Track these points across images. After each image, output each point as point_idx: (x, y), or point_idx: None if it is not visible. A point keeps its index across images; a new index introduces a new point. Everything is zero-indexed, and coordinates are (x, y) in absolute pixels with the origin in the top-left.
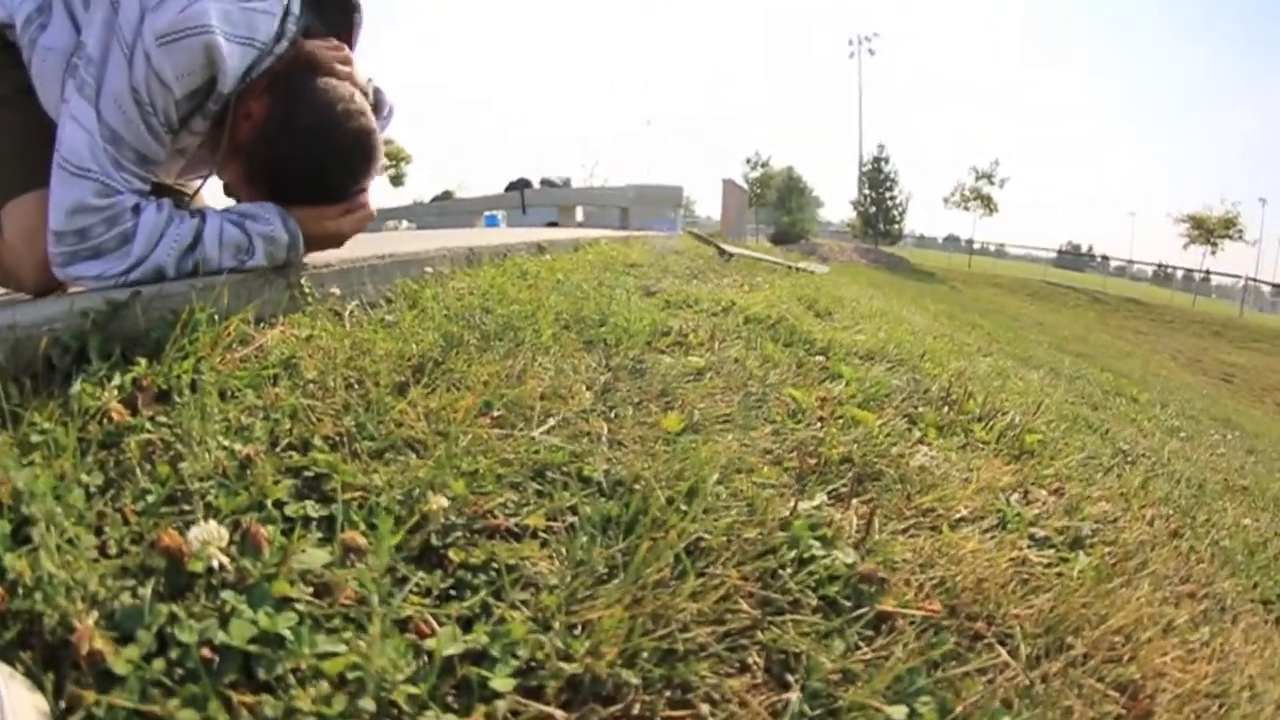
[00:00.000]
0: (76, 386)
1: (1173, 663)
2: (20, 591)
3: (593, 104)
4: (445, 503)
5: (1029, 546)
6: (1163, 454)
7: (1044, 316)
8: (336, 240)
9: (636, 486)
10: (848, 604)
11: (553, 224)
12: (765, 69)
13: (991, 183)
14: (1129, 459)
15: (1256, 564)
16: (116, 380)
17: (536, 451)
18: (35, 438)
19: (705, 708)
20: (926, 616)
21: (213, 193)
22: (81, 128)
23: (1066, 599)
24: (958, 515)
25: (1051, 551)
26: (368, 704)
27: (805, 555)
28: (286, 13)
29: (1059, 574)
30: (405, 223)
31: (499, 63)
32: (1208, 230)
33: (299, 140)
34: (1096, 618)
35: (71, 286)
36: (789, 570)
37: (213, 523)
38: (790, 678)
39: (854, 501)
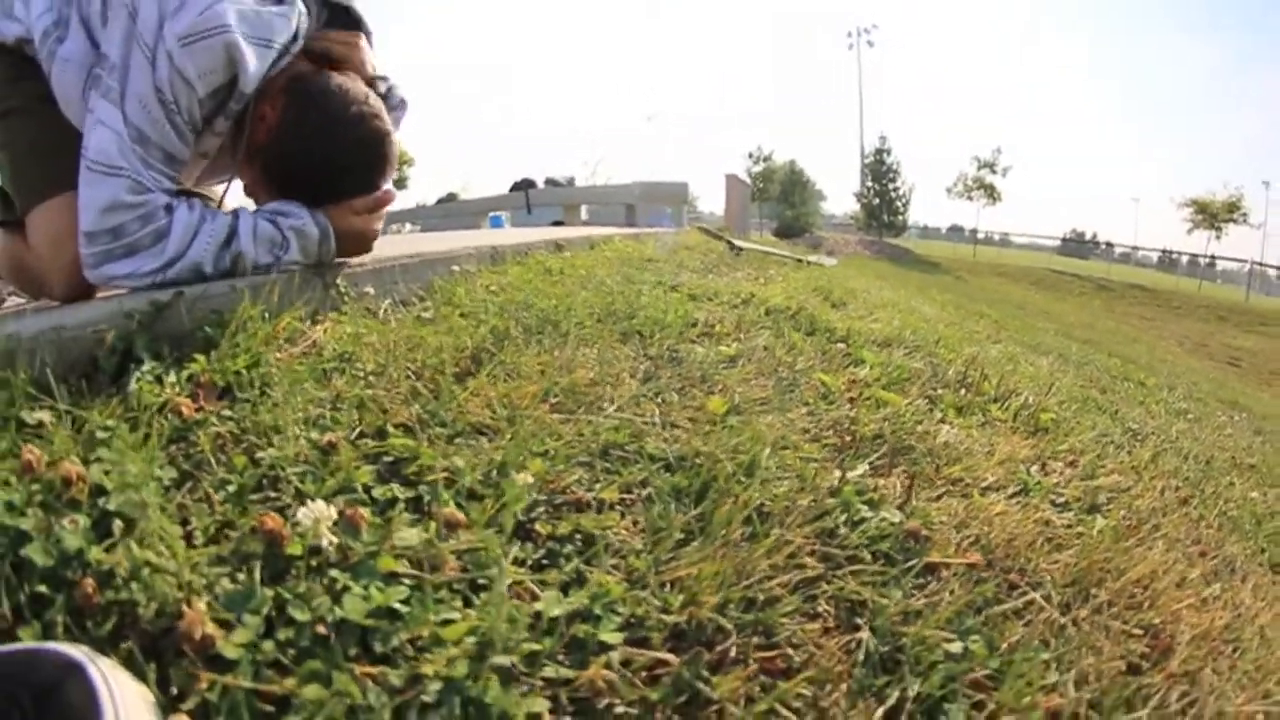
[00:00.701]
0: (134, 384)
1: (1188, 610)
2: (117, 583)
3: (593, 103)
4: (530, 480)
5: (1051, 510)
6: (1170, 433)
7: (1050, 305)
8: (364, 238)
9: (698, 460)
10: (899, 557)
11: (558, 223)
12: (765, 69)
13: (994, 172)
14: (1138, 437)
15: (1264, 532)
16: (172, 377)
17: (597, 433)
18: (100, 434)
19: (789, 650)
20: (969, 566)
21: (237, 198)
22: (109, 129)
23: (1088, 555)
24: (984, 483)
25: (1071, 515)
26: (501, 660)
27: (856, 517)
28: (299, 15)
29: (1079, 534)
30: (409, 226)
31: (499, 60)
32: (1211, 214)
33: (312, 143)
34: (1117, 570)
35: (100, 291)
36: (844, 530)
37: (320, 502)
38: (859, 620)
39: (894, 471)
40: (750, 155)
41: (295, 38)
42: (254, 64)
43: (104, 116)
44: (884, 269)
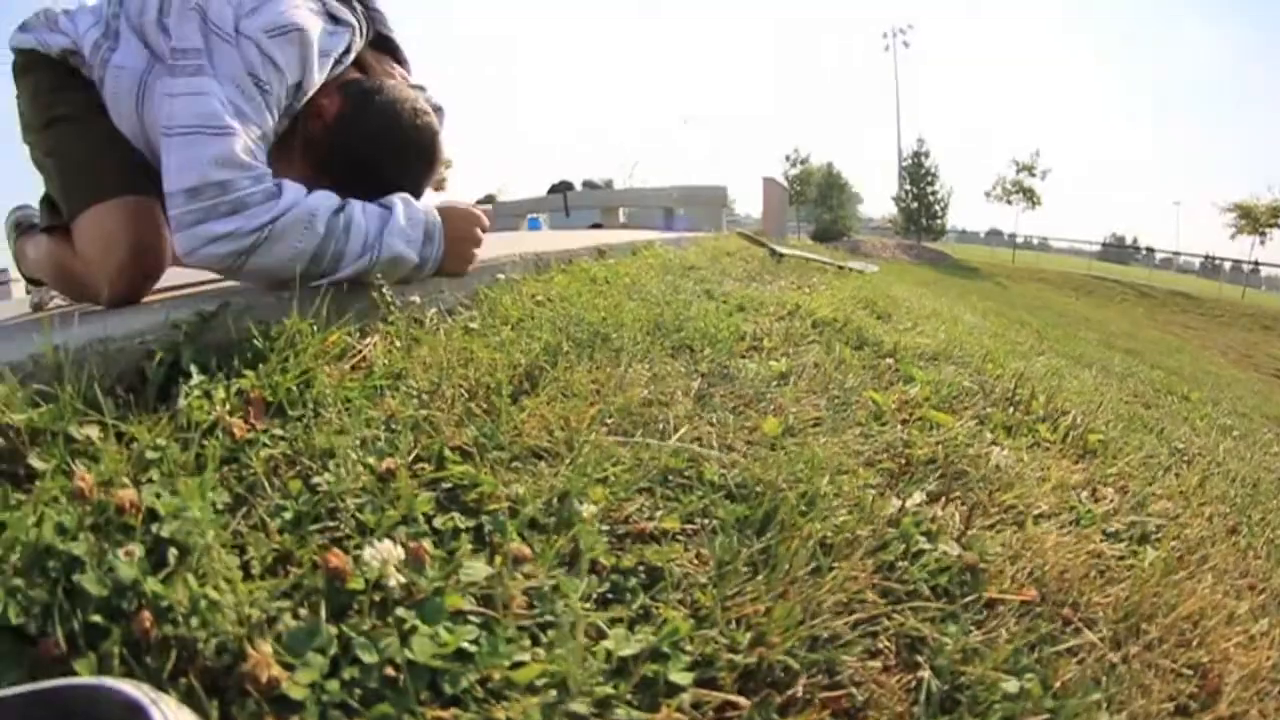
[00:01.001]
0: (183, 400)
1: (1237, 649)
2: (175, 617)
3: (614, 106)
4: (594, 510)
5: (1102, 540)
6: (1217, 453)
7: (1091, 312)
8: (469, 218)
9: (759, 489)
10: (958, 592)
11: (596, 225)
12: (798, 69)
13: (1033, 175)
14: (1185, 458)
15: None
16: (221, 393)
17: (656, 457)
18: (150, 454)
19: (853, 689)
20: (1025, 603)
21: None
22: (207, 96)
23: (1140, 589)
24: (1037, 511)
25: (1122, 545)
26: (577, 707)
27: (915, 549)
28: (354, 32)
29: (1130, 566)
30: None
31: (525, 63)
32: (1255, 219)
33: (369, 136)
34: (1167, 606)
35: (145, 296)
36: (903, 563)
37: (387, 541)
38: (919, 658)
39: (950, 499)
40: (787, 158)
41: (349, 50)
42: (317, 68)
43: (195, 87)
44: (924, 275)
